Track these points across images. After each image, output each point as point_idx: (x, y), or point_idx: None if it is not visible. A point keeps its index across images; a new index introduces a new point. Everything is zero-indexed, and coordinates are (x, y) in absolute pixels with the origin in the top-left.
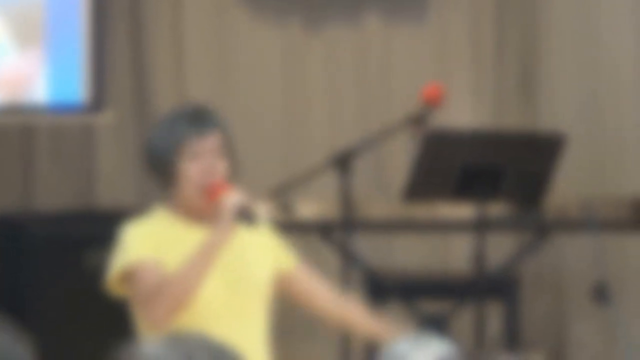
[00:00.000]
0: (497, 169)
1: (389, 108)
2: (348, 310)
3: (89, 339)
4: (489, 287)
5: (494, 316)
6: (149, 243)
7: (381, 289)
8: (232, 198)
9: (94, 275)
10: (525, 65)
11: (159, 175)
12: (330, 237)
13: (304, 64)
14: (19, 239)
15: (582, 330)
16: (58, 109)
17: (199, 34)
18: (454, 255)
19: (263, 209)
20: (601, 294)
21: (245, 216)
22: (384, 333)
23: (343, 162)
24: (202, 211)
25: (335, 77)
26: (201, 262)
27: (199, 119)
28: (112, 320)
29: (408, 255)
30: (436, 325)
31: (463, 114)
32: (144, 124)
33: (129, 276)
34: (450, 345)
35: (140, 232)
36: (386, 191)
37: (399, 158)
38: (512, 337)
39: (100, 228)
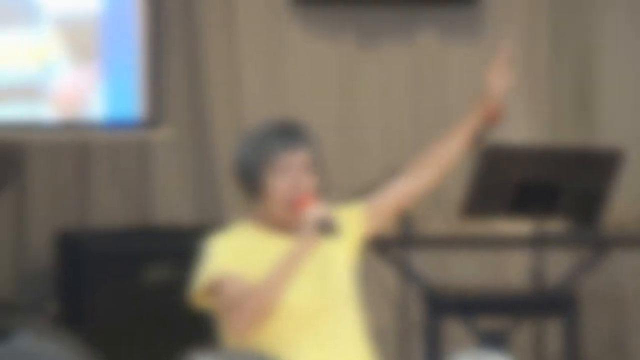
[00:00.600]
0: (554, 185)
1: (444, 124)
2: (421, 164)
3: (148, 355)
4: (548, 303)
5: (554, 333)
6: (233, 255)
7: (439, 306)
8: (315, 211)
9: (152, 291)
10: (581, 81)
11: (246, 187)
12: (388, 253)
13: (358, 80)
14: (77, 256)
15: None
16: (114, 126)
17: (254, 49)
18: (512, 271)
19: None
20: None
21: (327, 229)
22: (465, 125)
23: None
24: (286, 224)
25: (390, 93)
26: (283, 273)
27: (288, 134)
28: (170, 335)
29: (466, 271)
30: (495, 342)
31: (519, 130)
32: (200, 139)
33: (213, 288)
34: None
35: (225, 245)
36: (444, 207)
37: (456, 174)
38: (572, 354)
39: (157, 244)
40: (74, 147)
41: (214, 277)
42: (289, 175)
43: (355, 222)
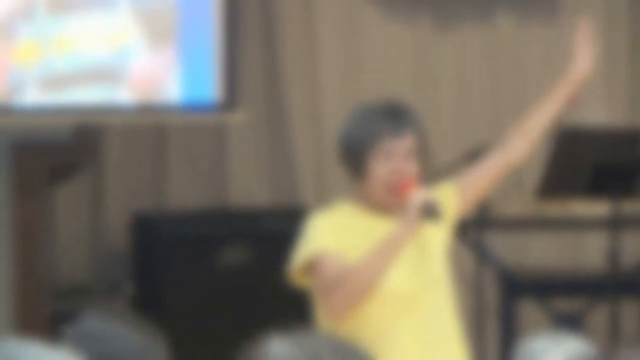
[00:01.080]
0: (631, 166)
1: (521, 106)
2: (512, 137)
3: (222, 337)
4: (624, 285)
5: (629, 315)
6: (333, 234)
7: (515, 287)
8: (419, 195)
9: (228, 273)
10: None
11: (349, 167)
12: (464, 235)
13: (434, 63)
14: (153, 239)
15: None
16: (190, 109)
17: (330, 32)
18: (588, 253)
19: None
20: None
21: (430, 213)
22: (553, 97)
23: (475, 159)
24: (388, 206)
25: (466, 76)
26: (384, 256)
27: (395, 118)
28: (245, 318)
29: (542, 253)
30: (570, 323)
31: (596, 111)
32: (276, 122)
33: (312, 267)
34: (586, 344)
35: (325, 224)
36: (520, 189)
37: (533, 156)
38: None
39: (233, 227)
40: (150, 130)
41: (314, 255)
42: (391, 160)
43: (449, 202)
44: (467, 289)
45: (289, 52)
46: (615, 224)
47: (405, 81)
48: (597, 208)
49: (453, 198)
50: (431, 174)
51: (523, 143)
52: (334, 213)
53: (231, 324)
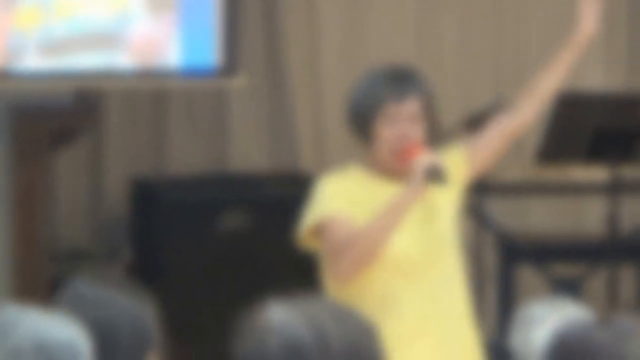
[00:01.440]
0: (630, 131)
1: (523, 69)
2: (521, 100)
3: (222, 303)
4: (623, 250)
5: (628, 279)
6: (342, 198)
7: (514, 252)
8: (425, 159)
9: (227, 238)
10: None
11: (356, 131)
12: (464, 200)
13: (436, 26)
14: (153, 203)
15: None
16: (191, 74)
17: None
18: (587, 218)
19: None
20: None
21: (434, 176)
22: (560, 57)
23: (476, 124)
24: (395, 171)
25: (469, 40)
26: (389, 219)
27: (398, 82)
28: (245, 283)
29: (541, 218)
30: (569, 288)
31: (596, 76)
32: (276, 87)
33: (320, 229)
34: (584, 309)
35: (334, 187)
36: (520, 154)
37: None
38: None
39: (233, 192)
40: (150, 96)
41: (322, 218)
42: (397, 124)
43: (458, 166)
44: (466, 253)
45: (290, 16)
46: (614, 189)
47: (407, 45)
48: (596, 173)
49: (462, 162)
50: (438, 137)
51: (531, 106)
52: (343, 177)
53: (230, 290)
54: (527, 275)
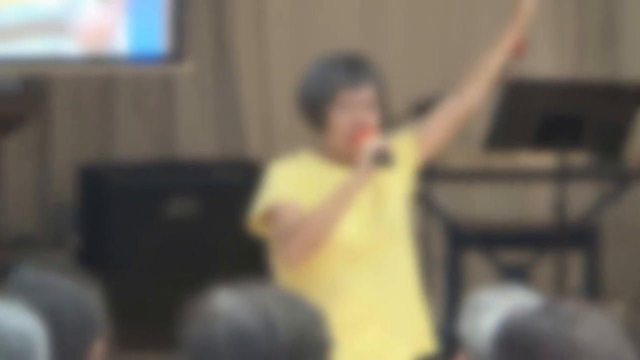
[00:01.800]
0: (578, 118)
1: (470, 53)
2: (468, 82)
3: (169, 289)
4: (570, 236)
5: (575, 266)
6: (293, 184)
7: (462, 239)
8: (373, 142)
9: (174, 224)
10: (607, 13)
11: (309, 118)
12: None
13: (383, 13)
14: (100, 190)
15: None
16: (138, 60)
17: None
18: (535, 204)
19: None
20: None
21: (382, 159)
22: (503, 37)
23: (423, 110)
24: (348, 156)
25: (415, 22)
26: (338, 203)
27: (354, 69)
28: (192, 269)
29: (488, 204)
30: (516, 275)
31: (544, 63)
32: (223, 73)
33: (270, 215)
34: (534, 295)
35: (285, 173)
36: (467, 141)
37: (480, 107)
38: (593, 287)
39: (180, 178)
40: (98, 82)
41: (272, 204)
42: (351, 111)
43: (407, 151)
44: (414, 240)
45: (237, 2)
46: (561, 176)
47: (354, 31)
48: (543, 160)
49: (411, 147)
50: (387, 123)
51: (476, 88)
52: (294, 163)
53: (178, 276)
54: (474, 262)
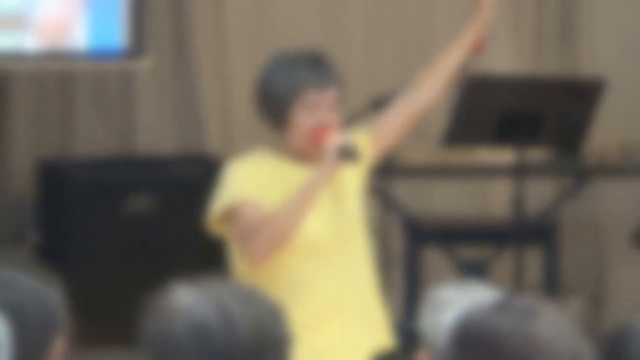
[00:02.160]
0: (537, 114)
1: (429, 51)
2: (425, 78)
3: (129, 285)
4: (528, 232)
5: (533, 262)
6: (252, 182)
7: (420, 235)
8: (337, 138)
9: (134, 220)
10: (565, 10)
11: (270, 117)
12: (369, 182)
13: (343, 9)
14: (60, 185)
15: (621, 275)
16: (97, 55)
17: None
18: (493, 200)
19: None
20: None
21: (347, 155)
22: (462, 36)
23: (382, 106)
24: (306, 156)
25: (375, 19)
26: (302, 201)
27: (319, 69)
28: (151, 265)
29: (447, 200)
30: (475, 270)
31: (502, 59)
32: (183, 69)
33: (230, 214)
34: (493, 290)
35: (243, 171)
36: (426, 137)
37: (439, 103)
38: (552, 283)
39: (139, 173)
40: (57, 77)
41: (232, 203)
42: (316, 111)
43: (364, 146)
44: (372, 236)
45: None
46: (520, 172)
47: (313, 27)
48: (502, 156)
49: (368, 143)
50: (346, 120)
51: (433, 87)
52: (253, 161)
53: (138, 272)
54: (433, 258)
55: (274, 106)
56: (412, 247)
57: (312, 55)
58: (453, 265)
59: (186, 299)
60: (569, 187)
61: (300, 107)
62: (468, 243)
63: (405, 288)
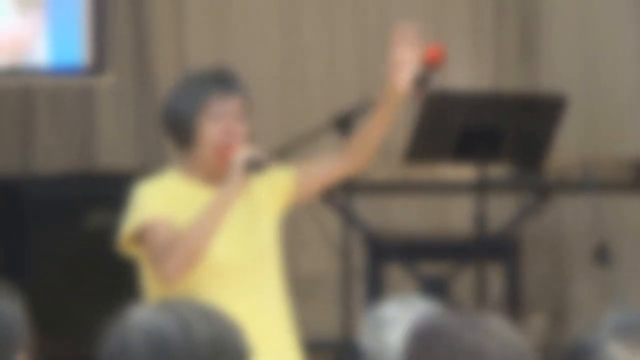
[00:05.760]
0: (498, 130)
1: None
2: (349, 147)
3: (89, 302)
4: (490, 248)
5: (495, 278)
6: (162, 202)
7: (382, 251)
8: (243, 151)
9: (94, 236)
10: (525, 27)
11: (177, 134)
12: (330, 199)
13: (301, 23)
14: (19, 202)
15: (582, 291)
16: (58, 72)
17: None
18: (455, 217)
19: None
20: (601, 255)
21: (254, 166)
22: (381, 106)
23: (343, 124)
24: (216, 173)
25: (334, 37)
26: (212, 218)
27: (223, 80)
28: (112, 282)
29: (408, 217)
30: (437, 287)
31: (463, 75)
32: (144, 86)
33: (141, 234)
34: (436, 305)
35: (153, 192)
36: (387, 153)
37: (400, 120)
38: (513, 299)
39: (100, 190)
40: (17, 93)
41: (143, 222)
42: (222, 121)
43: (285, 185)
44: (333, 252)
45: (157, 15)
46: (481, 188)
47: (273, 44)
48: (463, 172)
49: (289, 183)
50: (298, 140)
51: (359, 156)
52: (161, 182)
53: (96, 288)
54: (395, 274)
55: (180, 121)
56: (374, 263)
57: (217, 71)
58: (414, 281)
59: (143, 312)
60: (530, 203)
61: (206, 118)
62: (430, 259)
63: (367, 304)
